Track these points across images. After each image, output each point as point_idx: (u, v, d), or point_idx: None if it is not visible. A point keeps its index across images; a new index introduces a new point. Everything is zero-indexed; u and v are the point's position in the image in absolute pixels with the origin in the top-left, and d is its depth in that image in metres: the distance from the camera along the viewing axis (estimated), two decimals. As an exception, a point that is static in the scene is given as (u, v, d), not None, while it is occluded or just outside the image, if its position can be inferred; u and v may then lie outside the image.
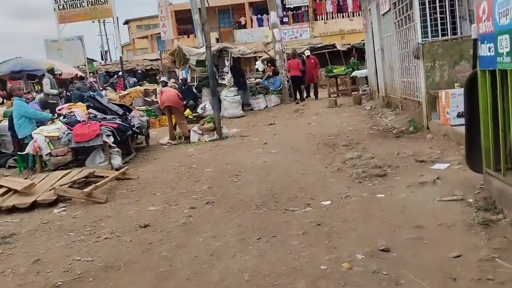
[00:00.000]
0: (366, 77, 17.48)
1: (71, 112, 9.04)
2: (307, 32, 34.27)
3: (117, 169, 7.87)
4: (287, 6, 34.86)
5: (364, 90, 16.17)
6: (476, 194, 4.39)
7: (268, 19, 33.90)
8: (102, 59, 40.99)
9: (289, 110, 14.51)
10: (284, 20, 31.52)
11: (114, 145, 8.15)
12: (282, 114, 13.89)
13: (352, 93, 16.85)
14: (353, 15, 34.03)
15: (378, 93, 13.57)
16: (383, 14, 11.30)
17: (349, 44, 25.25)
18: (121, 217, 5.14)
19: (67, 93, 16.15)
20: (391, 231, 3.77)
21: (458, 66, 8.00)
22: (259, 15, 35.73)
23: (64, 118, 8.85)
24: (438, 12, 8.19)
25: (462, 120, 7.19)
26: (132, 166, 8.30)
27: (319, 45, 25.69)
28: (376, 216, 4.24)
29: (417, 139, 7.91)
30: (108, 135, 8.05)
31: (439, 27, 8.22)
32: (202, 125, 10.78)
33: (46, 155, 8.14)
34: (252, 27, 35.75)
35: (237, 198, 5.40)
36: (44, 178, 7.09)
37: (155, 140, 11.28)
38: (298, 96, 16.98)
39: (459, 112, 7.17)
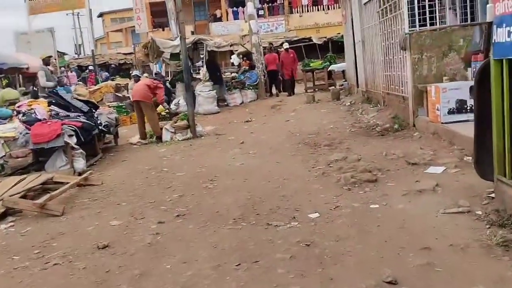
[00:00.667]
0: (343, 71, 17.03)
1: (31, 109, 8.20)
2: (282, 26, 33.65)
3: (80, 173, 7.15)
4: (263, -1, 34.23)
5: (342, 85, 15.69)
6: (485, 205, 3.86)
7: (244, 12, 33.34)
8: (76, 53, 39.63)
9: (266, 106, 13.92)
10: (260, 13, 30.82)
11: (77, 147, 7.39)
12: (259, 110, 13.28)
13: (330, 88, 16.39)
14: (328, 8, 33.56)
15: (358, 87, 13.07)
16: (365, 3, 10.77)
17: (325, 37, 24.82)
18: (77, 234, 4.44)
19: (34, 88, 15.26)
20: (394, 255, 3.19)
21: (447, 58, 7.52)
22: (235, 8, 34.93)
23: (23, 116, 8.03)
24: (426, 0, 7.65)
25: (454, 117, 6.76)
26: (97, 170, 7.58)
27: (295, 39, 25.12)
28: (373, 233, 3.66)
29: (404, 138, 7.40)
30: (70, 135, 7.27)
31: (427, 16, 7.69)
32: (175, 122, 10.07)
33: (1, 157, 7.33)
34: (227, 20, 34.95)
35: (212, 210, 4.75)
36: (-6, 186, 6.32)
37: (125, 138, 10.51)
38: (274, 91, 16.56)
39: (451, 108, 6.70)
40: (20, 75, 18.45)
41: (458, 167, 5.23)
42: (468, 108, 6.65)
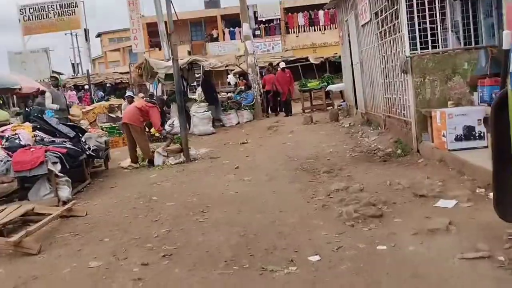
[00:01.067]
0: (341, 91, 16.73)
1: (15, 134, 7.78)
2: (279, 45, 33.60)
3: (65, 202, 6.73)
4: (259, 19, 34.19)
5: (340, 105, 15.36)
6: (507, 249, 3.45)
7: (240, 32, 33.23)
8: (74, 72, 39.40)
9: (262, 127, 13.54)
10: (256, 33, 30.74)
11: (62, 174, 6.96)
12: (255, 132, 12.90)
13: (327, 108, 16.07)
14: (325, 29, 33.61)
15: (357, 109, 12.73)
16: (362, 25, 10.48)
17: (322, 57, 24.65)
18: (51, 279, 3.99)
19: (26, 109, 14.95)
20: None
21: (451, 82, 7.20)
22: (231, 28, 34.89)
23: (6, 141, 7.61)
24: (428, 22, 7.33)
25: (461, 144, 6.35)
26: (83, 198, 7.17)
27: (291, 58, 24.90)
28: (383, 284, 3.23)
29: (408, 165, 7.00)
30: (54, 162, 6.85)
31: (429, 38, 7.36)
32: (168, 146, 9.66)
33: (-22, 187, 6.90)
34: (224, 40, 34.90)
35: (201, 249, 4.31)
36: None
37: (116, 161, 10.11)
38: (269, 111, 16.31)
39: (458, 135, 6.32)
40: (15, 96, 18.12)
41: (471, 200, 4.83)
42: (477, 135, 6.29)
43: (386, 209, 4.93)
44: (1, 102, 16.59)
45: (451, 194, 5.09)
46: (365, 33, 10.39)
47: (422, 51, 7.36)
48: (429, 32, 7.35)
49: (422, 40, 7.35)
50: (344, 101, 15.30)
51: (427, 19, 7.32)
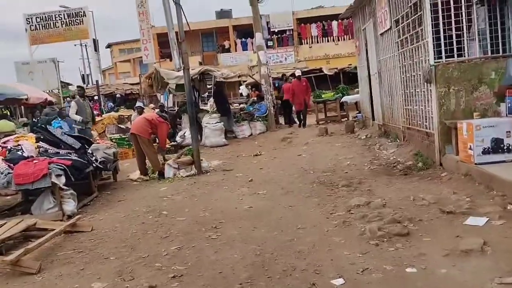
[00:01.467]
0: (356, 103, 16.39)
1: (18, 145, 7.56)
2: (292, 56, 33.39)
3: (69, 217, 6.46)
4: (271, 30, 34.05)
5: (355, 117, 15.00)
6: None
7: (252, 43, 33.11)
8: (84, 83, 39.50)
9: (276, 139, 13.22)
10: (268, 44, 30.57)
11: (66, 187, 6.68)
12: (269, 143, 12.59)
13: (342, 119, 15.71)
14: (339, 40, 33.38)
15: (373, 120, 12.37)
16: (381, 34, 10.16)
17: (336, 68, 24.35)
18: (51, 301, 3.70)
19: (33, 120, 14.83)
20: None
21: (477, 92, 6.83)
22: (243, 39, 34.77)
23: (9, 153, 7.39)
24: (453, 29, 6.99)
25: (489, 158, 5.98)
26: (89, 212, 6.91)
27: (305, 69, 24.63)
28: (418, 314, 2.89)
29: (431, 179, 6.63)
30: (58, 175, 6.57)
31: (455, 46, 7.03)
32: (179, 158, 9.38)
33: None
34: (236, 50, 34.77)
35: (214, 270, 3.99)
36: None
37: (126, 173, 9.86)
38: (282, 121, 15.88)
39: (486, 148, 5.95)
40: (22, 106, 18.04)
41: (502, 218, 4.47)
42: (505, 147, 5.92)
43: (412, 226, 4.58)
44: (8, 112, 16.46)
45: (481, 211, 4.73)
46: (384, 42, 10.07)
47: (447, 59, 7.03)
48: (454, 40, 7.02)
49: (448, 48, 7.02)
50: (359, 112, 14.93)
51: (453, 26, 6.98)
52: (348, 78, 21.08)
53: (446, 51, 7.02)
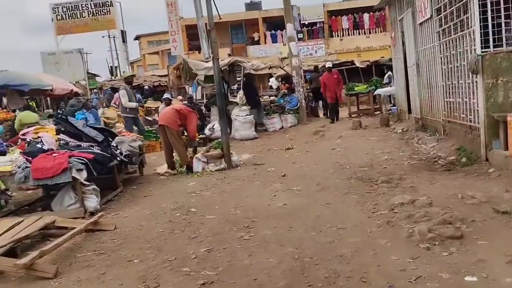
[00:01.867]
0: (390, 96, 15.81)
1: (38, 137, 7.15)
2: (322, 49, 32.80)
3: (92, 213, 6.09)
4: (302, 22, 33.46)
5: (389, 110, 14.44)
6: None
7: (282, 35, 32.67)
8: (112, 75, 39.80)
9: (307, 132, 12.81)
10: (299, 36, 30.04)
11: (88, 183, 6.32)
12: (300, 137, 12.19)
13: (375, 113, 15.17)
14: (370, 32, 32.64)
15: (410, 113, 11.84)
16: (420, 23, 9.63)
17: (368, 60, 23.70)
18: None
19: (58, 111, 14.75)
20: None
21: (528, 84, 6.32)
22: (273, 31, 34.30)
23: (28, 145, 7.05)
24: (502, 17, 6.47)
25: (545, 154, 5.54)
26: (113, 208, 6.53)
27: (336, 62, 24.06)
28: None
29: (477, 175, 6.17)
30: (79, 169, 6.19)
31: (504, 35, 6.51)
32: (208, 151, 9.08)
33: (-2, 195, 6.32)
34: (265, 43, 34.34)
35: (248, 276, 3.65)
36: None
37: (153, 167, 9.55)
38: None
39: (540, 143, 5.46)
40: (48, 98, 17.96)
41: None
42: (563, 143, 5.41)
43: (465, 228, 4.18)
44: (34, 104, 16.40)
45: (541, 211, 4.29)
46: (424, 32, 9.54)
47: (495, 49, 6.52)
48: (503, 28, 6.51)
49: (496, 36, 6.51)
50: (393, 105, 14.37)
51: (502, 13, 6.47)
52: (380, 71, 20.41)
53: (494, 40, 6.52)
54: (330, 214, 5.15)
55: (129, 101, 11.24)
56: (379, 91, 15.54)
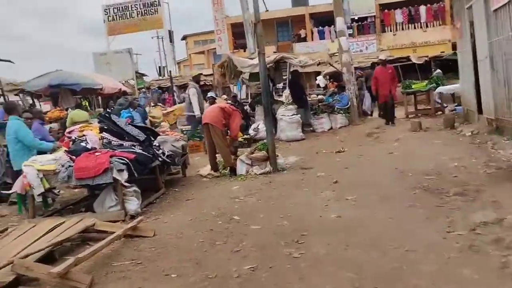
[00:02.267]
0: (452, 94, 14.48)
1: (83, 135, 6.96)
2: (373, 45, 31.27)
3: (132, 216, 5.80)
4: (351, 17, 32.14)
5: (454, 110, 13.15)
6: None
7: (330, 32, 31.52)
8: (160, 75, 40.09)
9: (360, 133, 11.84)
10: (348, 32, 28.88)
11: (129, 185, 5.96)
12: (352, 138, 11.25)
13: (436, 113, 13.92)
14: (427, 26, 30.75)
15: (480, 114, 10.59)
16: (495, 10, 8.49)
17: (427, 56, 22.18)
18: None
19: (107, 110, 14.62)
20: None
21: None
22: (320, 27, 33.17)
23: (73, 143, 6.81)
24: None
25: None
26: (154, 212, 6.20)
27: (389, 58, 22.71)
28: None
29: None
30: (120, 170, 5.85)
31: None
32: (252, 153, 8.38)
33: (39, 195, 6.05)
34: (312, 40, 33.17)
35: (300, 309, 2.92)
36: (24, 233, 4.97)
37: (196, 168, 9.11)
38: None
39: None
40: (99, 96, 18.06)
41: None
42: None
43: None
44: (87, 103, 16.48)
45: None
46: (499, 20, 8.38)
47: None
48: None
49: None
50: (458, 105, 13.07)
51: None
52: (441, 67, 18.86)
53: None
54: (394, 231, 4.34)
55: (198, 100, 11.46)
56: (441, 89, 14.21)
